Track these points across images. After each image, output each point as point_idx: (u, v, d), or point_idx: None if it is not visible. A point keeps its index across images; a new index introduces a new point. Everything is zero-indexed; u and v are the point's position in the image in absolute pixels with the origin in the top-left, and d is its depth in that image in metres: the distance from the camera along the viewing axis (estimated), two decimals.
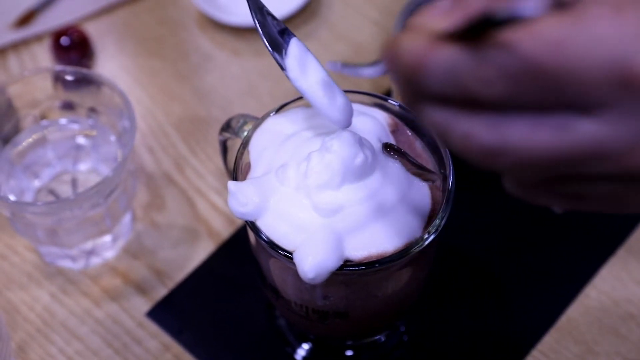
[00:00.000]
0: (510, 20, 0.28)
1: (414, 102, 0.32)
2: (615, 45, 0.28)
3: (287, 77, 0.47)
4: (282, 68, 0.47)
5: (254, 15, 0.48)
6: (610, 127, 0.29)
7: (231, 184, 0.48)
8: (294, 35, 0.48)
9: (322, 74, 0.47)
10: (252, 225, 0.48)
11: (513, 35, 0.28)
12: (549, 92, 0.29)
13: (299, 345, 0.62)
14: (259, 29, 0.48)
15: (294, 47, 0.48)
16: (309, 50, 0.48)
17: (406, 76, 0.31)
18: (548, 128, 0.29)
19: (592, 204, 0.33)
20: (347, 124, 0.48)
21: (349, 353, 0.62)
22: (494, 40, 0.28)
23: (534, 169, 0.31)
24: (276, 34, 0.48)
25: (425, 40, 0.30)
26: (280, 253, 0.47)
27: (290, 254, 0.47)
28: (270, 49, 0.47)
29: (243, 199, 0.48)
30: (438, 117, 0.31)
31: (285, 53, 0.47)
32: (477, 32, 0.29)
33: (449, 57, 0.30)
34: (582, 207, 0.34)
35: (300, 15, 0.81)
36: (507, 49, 0.28)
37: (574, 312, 0.63)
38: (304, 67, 0.47)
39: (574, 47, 0.28)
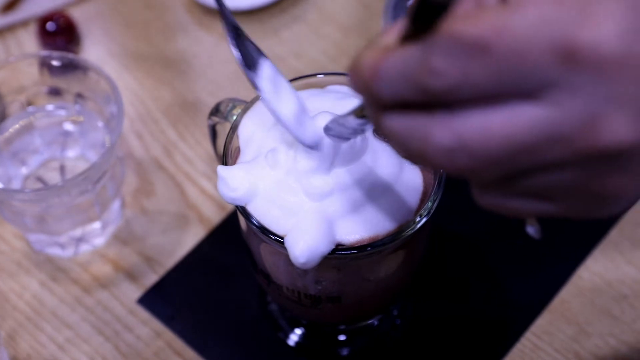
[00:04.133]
0: (449, 2, 0.28)
1: (376, 115, 0.33)
2: (555, 24, 0.29)
3: (261, 98, 0.47)
4: (257, 88, 0.47)
5: (228, 34, 0.48)
6: (557, 109, 0.29)
7: (221, 169, 0.48)
8: (266, 57, 0.48)
9: (294, 99, 0.47)
10: (243, 210, 0.48)
11: (456, 24, 0.29)
12: (495, 76, 0.29)
13: (291, 330, 0.62)
14: (233, 48, 0.47)
15: (267, 69, 0.47)
16: (279, 72, 0.48)
17: (365, 88, 0.32)
18: (498, 118, 0.30)
19: (565, 204, 0.33)
20: (313, 146, 0.47)
21: (342, 338, 0.62)
22: (439, 30, 0.29)
23: (491, 163, 0.31)
24: (250, 53, 0.48)
25: (378, 52, 0.32)
26: (272, 238, 0.46)
27: (282, 238, 0.46)
28: (243, 68, 0.47)
29: (233, 184, 0.47)
30: (397, 124, 0.32)
31: (259, 74, 0.47)
32: (423, 26, 0.30)
33: (399, 57, 0.31)
34: (555, 210, 0.33)
35: None
36: (451, 36, 0.29)
37: (567, 293, 0.63)
38: (276, 88, 0.47)
39: (516, 29, 0.29)
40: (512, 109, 0.30)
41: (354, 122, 0.39)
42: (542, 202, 0.33)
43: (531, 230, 0.43)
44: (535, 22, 0.29)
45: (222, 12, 0.48)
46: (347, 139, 0.44)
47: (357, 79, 0.33)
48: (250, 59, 0.48)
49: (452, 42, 0.29)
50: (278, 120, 0.47)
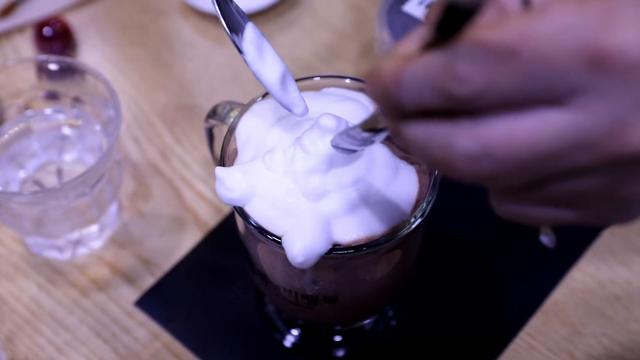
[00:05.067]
0: (476, 6, 0.28)
1: (395, 123, 0.33)
2: (581, 30, 0.29)
3: (245, 60, 0.48)
4: (240, 51, 0.48)
5: None
6: (584, 115, 0.29)
7: (219, 170, 0.48)
8: (250, 21, 0.48)
9: (278, 63, 0.48)
10: (241, 211, 0.48)
11: (482, 30, 0.29)
12: (521, 82, 0.29)
13: (287, 331, 0.63)
14: (218, 11, 0.48)
15: (250, 32, 0.48)
16: (264, 35, 0.48)
17: (386, 96, 0.32)
18: (524, 124, 0.30)
19: (587, 211, 0.33)
20: (299, 112, 0.48)
21: (338, 339, 0.62)
22: (464, 37, 0.29)
23: (516, 170, 0.31)
24: (236, 17, 0.48)
25: (399, 59, 0.31)
26: (269, 238, 0.47)
27: (279, 238, 0.47)
28: (228, 31, 0.48)
29: (231, 185, 0.48)
30: (419, 132, 0.32)
31: (243, 37, 0.48)
32: (448, 32, 0.29)
33: (422, 64, 0.30)
34: (576, 217, 0.33)
35: (284, 2, 0.81)
36: (476, 43, 0.29)
37: (560, 294, 0.64)
38: (260, 51, 0.47)
39: (542, 36, 0.29)
40: (538, 115, 0.30)
41: (364, 133, 0.39)
42: (563, 210, 0.33)
43: (545, 239, 0.43)
44: (560, 28, 0.29)
45: None
46: (355, 150, 0.45)
47: (376, 87, 0.32)
48: (234, 22, 0.48)
49: (477, 49, 0.29)
50: (261, 83, 0.47)
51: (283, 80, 0.47)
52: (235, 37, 0.48)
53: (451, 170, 0.32)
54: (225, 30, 0.48)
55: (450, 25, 0.29)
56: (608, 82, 0.29)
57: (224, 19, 0.48)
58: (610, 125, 0.29)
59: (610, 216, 0.33)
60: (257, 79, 0.47)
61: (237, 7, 0.48)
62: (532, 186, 0.32)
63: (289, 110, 0.48)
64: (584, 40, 0.28)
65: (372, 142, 0.41)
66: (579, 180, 0.31)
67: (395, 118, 0.33)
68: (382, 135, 0.39)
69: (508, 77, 0.29)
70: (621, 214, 0.33)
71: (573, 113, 0.29)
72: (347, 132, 0.42)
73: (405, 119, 0.32)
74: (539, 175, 0.31)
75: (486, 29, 0.29)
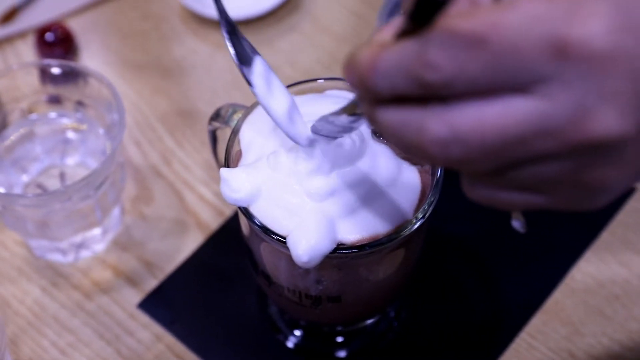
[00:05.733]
0: None
1: (371, 109, 0.34)
2: (548, 21, 0.30)
3: (254, 93, 0.48)
4: (249, 84, 0.48)
5: (224, 30, 0.49)
6: (549, 102, 0.31)
7: (223, 171, 0.49)
8: (259, 55, 0.49)
9: (286, 96, 0.48)
10: (245, 211, 0.49)
11: (453, 19, 0.30)
12: (490, 70, 0.30)
13: (290, 332, 0.63)
14: (229, 44, 0.49)
15: (259, 65, 0.49)
16: (272, 69, 0.49)
17: (362, 83, 0.33)
18: (492, 111, 0.31)
19: (555, 196, 0.34)
20: (305, 144, 0.48)
21: (340, 339, 0.63)
22: (436, 25, 0.30)
23: (484, 154, 0.32)
24: (246, 51, 0.49)
25: (375, 47, 0.32)
26: (274, 238, 0.47)
27: (284, 238, 0.47)
28: (238, 63, 0.49)
29: (235, 186, 0.48)
30: (393, 117, 0.33)
31: (252, 70, 0.48)
32: (421, 21, 0.31)
33: (396, 52, 0.32)
34: (544, 202, 0.34)
35: (284, 8, 0.82)
36: (448, 31, 0.30)
37: (560, 294, 0.64)
38: (269, 85, 0.48)
39: (510, 25, 0.30)
40: (505, 102, 0.31)
41: (344, 119, 0.40)
42: (532, 194, 0.34)
43: (516, 224, 0.44)
44: (528, 18, 0.30)
45: (219, 9, 0.49)
46: (335, 137, 0.45)
47: (353, 74, 0.33)
48: (244, 55, 0.49)
49: (448, 37, 0.30)
50: (270, 115, 0.48)
51: (290, 113, 0.48)
52: (244, 69, 0.49)
53: (423, 154, 0.33)
54: (236, 63, 0.49)
55: (423, 14, 0.30)
56: (572, 71, 0.30)
57: (235, 50, 0.49)
58: (573, 113, 0.31)
59: (577, 201, 0.34)
60: (266, 111, 0.48)
61: (247, 41, 0.49)
62: (501, 171, 0.33)
63: (295, 141, 0.48)
64: (550, 31, 0.30)
65: (351, 128, 0.42)
66: (544, 165, 0.32)
67: (371, 104, 0.34)
68: (361, 122, 0.40)
69: (477, 64, 0.30)
70: (588, 199, 0.34)
71: (538, 101, 0.31)
72: (326, 118, 0.42)
73: (380, 104, 0.33)
74: (507, 160, 0.32)
75: (457, 18, 0.30)
